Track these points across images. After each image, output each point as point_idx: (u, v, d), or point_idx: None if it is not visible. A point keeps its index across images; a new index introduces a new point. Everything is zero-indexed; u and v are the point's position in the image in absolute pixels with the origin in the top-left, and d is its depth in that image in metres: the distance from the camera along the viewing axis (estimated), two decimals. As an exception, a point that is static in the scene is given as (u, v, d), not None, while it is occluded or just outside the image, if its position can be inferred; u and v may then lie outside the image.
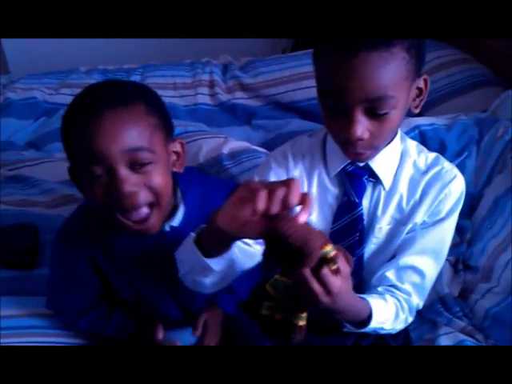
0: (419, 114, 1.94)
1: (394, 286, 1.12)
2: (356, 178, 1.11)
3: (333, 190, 1.14)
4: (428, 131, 1.56)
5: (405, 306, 1.11)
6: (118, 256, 1.14)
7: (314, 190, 1.15)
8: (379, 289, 1.12)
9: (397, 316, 1.10)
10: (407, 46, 0.92)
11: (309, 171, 1.15)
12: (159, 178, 1.01)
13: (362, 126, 0.95)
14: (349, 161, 1.09)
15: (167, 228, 1.10)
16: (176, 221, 1.11)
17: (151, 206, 1.02)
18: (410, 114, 1.06)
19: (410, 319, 1.14)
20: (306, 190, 1.15)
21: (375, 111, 0.94)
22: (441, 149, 1.54)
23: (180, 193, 1.12)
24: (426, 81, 1.02)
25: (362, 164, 1.09)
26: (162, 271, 1.13)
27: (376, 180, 1.11)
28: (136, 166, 0.97)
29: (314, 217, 1.15)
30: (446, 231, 1.13)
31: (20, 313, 1.30)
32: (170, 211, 1.10)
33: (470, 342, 1.15)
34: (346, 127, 0.95)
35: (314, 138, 1.18)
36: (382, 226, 1.13)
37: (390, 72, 0.92)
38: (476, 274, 1.33)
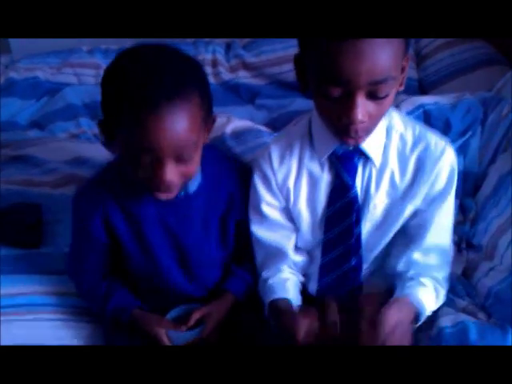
0: (424, 93, 1.95)
1: (424, 267, 1.14)
2: (347, 160, 1.10)
3: (323, 174, 1.13)
4: (432, 110, 1.55)
5: (440, 280, 1.15)
6: (135, 218, 1.16)
7: (305, 177, 1.15)
8: (411, 272, 1.14)
9: (438, 295, 1.14)
10: None
11: (298, 159, 1.15)
12: (196, 165, 1.06)
13: (364, 110, 0.95)
14: (337, 144, 1.08)
15: (182, 193, 1.14)
16: (192, 187, 1.15)
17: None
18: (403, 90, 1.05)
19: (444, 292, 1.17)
20: (295, 178, 1.15)
21: (377, 94, 0.94)
22: (445, 128, 1.53)
23: (199, 157, 1.12)
24: (407, 59, 1.02)
25: (351, 146, 1.08)
26: (172, 236, 1.18)
27: (366, 158, 1.10)
28: (181, 159, 1.01)
29: (306, 205, 1.16)
30: (451, 202, 1.14)
31: (25, 291, 1.31)
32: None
33: (470, 321, 1.14)
34: (348, 112, 0.94)
35: (298, 126, 1.18)
36: (377, 203, 1.13)
37: (391, 53, 0.92)
38: (479, 252, 1.33)
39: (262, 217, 1.19)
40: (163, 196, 1.07)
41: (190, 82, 1.01)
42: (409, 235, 1.16)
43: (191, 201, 1.16)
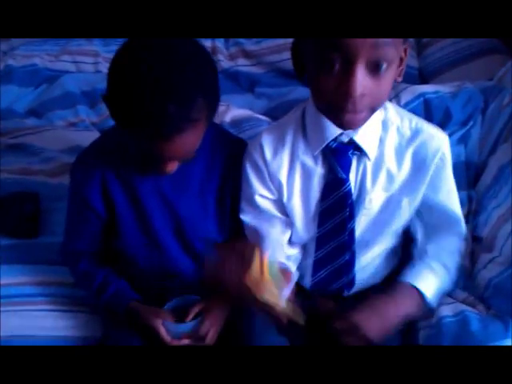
0: (424, 82, 1.93)
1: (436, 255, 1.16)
2: (341, 154, 1.09)
3: (317, 167, 1.12)
4: (433, 99, 1.54)
5: (449, 266, 1.16)
6: (132, 186, 1.17)
7: (298, 170, 1.13)
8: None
9: (449, 273, 1.15)
10: None
11: (291, 151, 1.13)
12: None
13: (364, 81, 0.93)
14: (332, 137, 1.07)
15: None
16: None
17: None
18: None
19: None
20: (288, 170, 1.14)
21: (377, 66, 0.92)
22: (446, 117, 1.52)
23: None
24: (405, 50, 1.01)
25: (346, 139, 1.07)
26: (168, 205, 1.19)
27: (360, 152, 1.09)
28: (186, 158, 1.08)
29: (300, 198, 1.15)
30: (453, 187, 1.17)
31: (21, 281, 1.31)
32: None
33: (470, 312, 1.14)
34: (347, 82, 0.92)
35: (292, 117, 1.16)
36: (373, 198, 1.12)
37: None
38: (479, 244, 1.32)
39: (256, 209, 1.17)
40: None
41: (199, 95, 1.00)
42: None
43: (188, 168, 1.15)
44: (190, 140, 1.02)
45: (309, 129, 1.11)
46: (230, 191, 1.20)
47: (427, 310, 1.13)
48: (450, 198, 1.16)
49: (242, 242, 1.05)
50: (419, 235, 1.22)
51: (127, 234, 1.21)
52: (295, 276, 1.21)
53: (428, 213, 1.17)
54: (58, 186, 1.59)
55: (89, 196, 1.17)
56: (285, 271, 1.03)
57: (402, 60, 1.00)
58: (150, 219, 1.19)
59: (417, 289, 1.09)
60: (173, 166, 1.08)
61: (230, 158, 1.20)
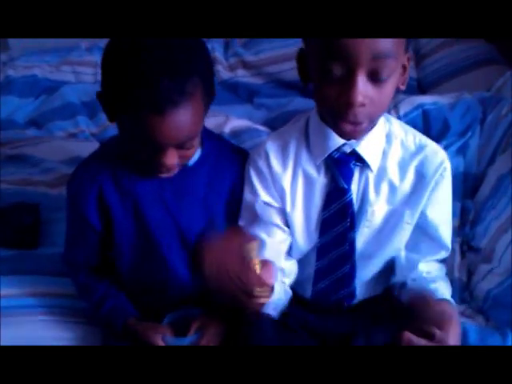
0: (423, 93, 1.94)
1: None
2: (343, 164, 1.09)
3: (319, 177, 1.12)
4: (431, 110, 1.55)
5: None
6: (131, 196, 1.15)
7: (300, 179, 1.14)
8: (432, 275, 1.15)
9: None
10: None
11: (294, 160, 1.14)
12: (196, 147, 1.09)
13: (364, 91, 0.94)
14: (334, 147, 1.07)
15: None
16: (191, 160, 1.14)
17: None
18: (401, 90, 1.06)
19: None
20: (291, 178, 1.14)
21: (378, 75, 0.93)
22: (444, 128, 1.53)
23: (199, 137, 1.12)
24: (408, 59, 1.02)
25: (348, 150, 1.08)
26: (172, 211, 1.16)
27: (363, 164, 1.10)
28: (184, 147, 1.04)
29: (302, 207, 1.15)
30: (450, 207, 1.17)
31: (21, 292, 1.30)
32: None
33: (469, 324, 1.14)
34: (348, 93, 0.94)
35: (295, 126, 1.17)
36: (375, 210, 1.12)
37: None
38: (478, 255, 1.32)
39: (256, 216, 1.17)
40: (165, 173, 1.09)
41: (194, 81, 1.00)
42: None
43: (190, 174, 1.14)
44: (185, 118, 1.00)
45: (312, 138, 1.12)
46: (239, 203, 1.19)
47: None
48: (443, 215, 1.16)
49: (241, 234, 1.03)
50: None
51: (126, 247, 1.20)
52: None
53: (416, 226, 1.16)
54: (58, 197, 1.59)
55: (85, 211, 1.16)
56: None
57: (405, 68, 1.02)
58: (152, 231, 1.17)
59: (449, 301, 1.08)
60: (172, 161, 1.04)
61: (236, 169, 1.19)
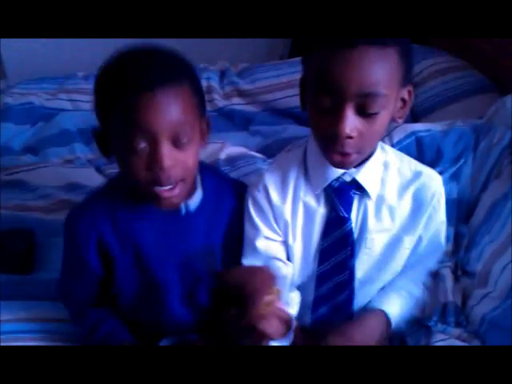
0: (415, 120, 1.96)
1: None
2: (343, 193, 1.11)
3: (319, 207, 1.13)
4: (424, 137, 1.56)
5: (414, 293, 1.20)
6: (134, 243, 1.13)
7: (300, 210, 1.14)
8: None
9: (414, 299, 1.19)
10: (400, 50, 0.95)
11: (294, 191, 1.14)
12: (194, 156, 1.05)
13: (352, 124, 0.95)
14: (334, 177, 1.09)
15: (183, 210, 1.12)
16: (193, 203, 1.13)
17: (180, 182, 1.05)
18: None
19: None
20: (292, 211, 1.15)
21: (366, 110, 0.95)
22: (437, 155, 1.54)
23: (199, 178, 1.14)
24: (410, 92, 1.03)
25: (348, 179, 1.09)
26: (174, 255, 1.15)
27: (362, 192, 1.11)
28: (178, 142, 1.01)
29: (302, 236, 1.16)
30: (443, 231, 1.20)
31: (17, 317, 1.29)
32: (189, 192, 1.13)
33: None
34: (336, 124, 0.95)
35: (293, 155, 1.18)
36: (374, 237, 1.13)
37: (384, 69, 0.93)
38: (473, 279, 1.33)
39: (259, 252, 1.16)
40: (166, 195, 1.04)
41: (182, 72, 1.03)
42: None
43: (193, 218, 1.14)
44: (175, 99, 0.99)
45: (310, 167, 1.13)
46: (237, 234, 1.20)
47: (393, 332, 1.16)
48: (436, 235, 1.19)
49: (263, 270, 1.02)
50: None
51: (127, 288, 1.19)
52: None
53: None
54: (54, 223, 1.59)
55: (85, 256, 1.14)
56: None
57: (404, 102, 1.03)
58: (154, 276, 1.16)
59: (382, 311, 1.13)
60: (169, 161, 0.99)
61: (234, 203, 1.20)
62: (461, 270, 1.38)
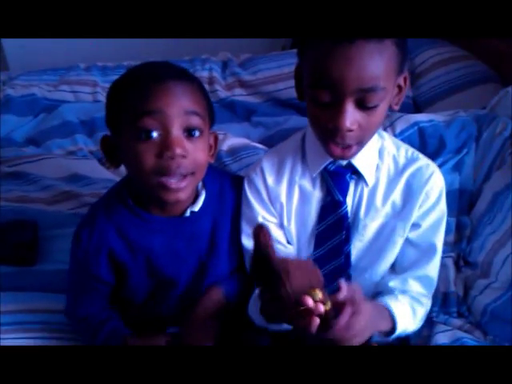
0: (418, 111, 1.96)
1: (403, 291, 1.13)
2: (339, 177, 1.11)
3: (314, 190, 1.13)
4: (427, 128, 1.57)
5: (420, 301, 1.13)
6: (143, 251, 1.13)
7: (296, 193, 1.15)
8: (391, 284, 1.14)
9: (415, 314, 1.12)
10: (396, 40, 0.95)
11: (290, 175, 1.15)
12: (204, 152, 1.06)
13: (352, 117, 0.95)
14: (330, 160, 1.09)
15: (188, 213, 1.13)
16: (197, 206, 1.13)
17: (188, 176, 1.04)
18: (390, 111, 1.07)
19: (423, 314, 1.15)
20: (287, 194, 1.15)
21: (365, 103, 0.95)
22: (440, 145, 1.54)
23: (202, 181, 1.14)
24: (405, 79, 1.04)
25: (344, 163, 1.09)
26: (184, 258, 1.15)
27: (358, 177, 1.11)
28: (189, 131, 1.02)
29: (297, 220, 1.16)
30: (440, 226, 1.14)
31: (19, 308, 1.30)
32: (193, 197, 1.13)
33: (467, 338, 1.15)
34: (336, 118, 0.95)
35: (291, 141, 1.19)
36: (367, 223, 1.13)
37: (382, 63, 0.93)
38: (475, 270, 1.33)
39: None
40: (173, 186, 1.02)
41: (193, 78, 1.07)
42: (399, 259, 1.16)
43: (197, 219, 1.14)
44: (186, 92, 1.02)
45: (308, 152, 1.13)
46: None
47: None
48: (433, 229, 1.14)
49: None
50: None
51: (139, 290, 1.18)
52: None
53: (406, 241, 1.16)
54: (56, 214, 1.60)
55: (97, 271, 1.13)
56: None
57: (400, 88, 1.03)
58: (167, 279, 1.16)
59: (393, 319, 1.07)
60: (180, 149, 0.99)
61: (236, 199, 1.20)
62: (463, 261, 1.39)
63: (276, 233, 1.17)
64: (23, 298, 1.32)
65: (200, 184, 1.15)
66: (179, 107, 1.00)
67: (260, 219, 1.16)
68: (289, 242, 1.18)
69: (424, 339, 1.21)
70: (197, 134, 1.02)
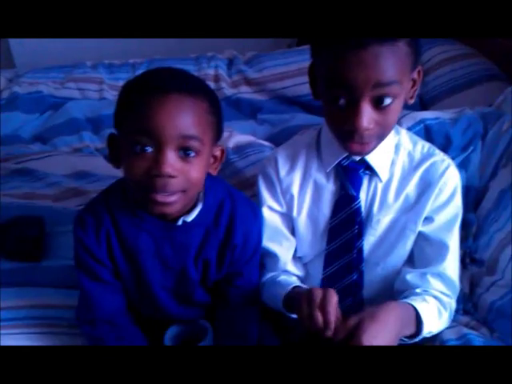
0: (424, 108, 1.96)
1: (425, 289, 1.13)
2: (352, 172, 1.12)
3: (329, 184, 1.15)
4: (433, 125, 1.56)
5: (445, 303, 1.13)
6: (133, 251, 1.14)
7: (310, 187, 1.16)
8: (417, 290, 1.13)
9: (441, 316, 1.12)
10: (409, 40, 0.96)
11: (304, 168, 1.17)
12: (199, 171, 1.03)
13: (369, 116, 0.97)
14: (344, 155, 1.10)
15: (180, 222, 1.11)
16: (190, 217, 1.11)
17: (178, 193, 1.02)
18: (405, 105, 1.07)
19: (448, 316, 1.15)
20: (299, 186, 1.17)
21: (381, 102, 0.97)
22: (446, 143, 1.54)
23: (202, 193, 1.13)
24: (419, 72, 1.05)
25: (357, 158, 1.10)
26: (166, 263, 1.15)
27: (372, 172, 1.12)
28: (184, 152, 0.99)
29: (309, 213, 1.17)
30: (453, 225, 1.14)
31: (25, 304, 1.31)
32: (190, 207, 1.11)
33: (473, 335, 1.14)
34: (353, 119, 0.97)
35: (306, 136, 1.20)
36: (380, 218, 1.14)
37: (397, 63, 0.95)
38: (481, 267, 1.33)
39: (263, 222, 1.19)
40: (159, 199, 1.00)
41: (201, 88, 1.04)
42: (417, 255, 1.17)
43: (188, 230, 1.12)
44: (187, 111, 0.98)
45: (323, 147, 1.15)
46: (232, 245, 1.16)
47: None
48: (447, 226, 1.15)
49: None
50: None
51: (128, 288, 1.20)
52: None
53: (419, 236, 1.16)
54: (62, 211, 1.60)
55: (100, 255, 1.14)
56: None
57: (415, 82, 1.05)
58: (148, 281, 1.16)
59: (420, 322, 1.06)
60: (169, 167, 0.97)
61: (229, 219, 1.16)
62: (469, 258, 1.38)
63: (279, 223, 1.19)
64: (29, 294, 1.33)
65: (201, 194, 1.12)
66: (176, 130, 0.97)
67: (266, 209, 1.18)
68: (293, 234, 1.19)
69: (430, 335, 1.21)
70: (192, 154, 1.00)
